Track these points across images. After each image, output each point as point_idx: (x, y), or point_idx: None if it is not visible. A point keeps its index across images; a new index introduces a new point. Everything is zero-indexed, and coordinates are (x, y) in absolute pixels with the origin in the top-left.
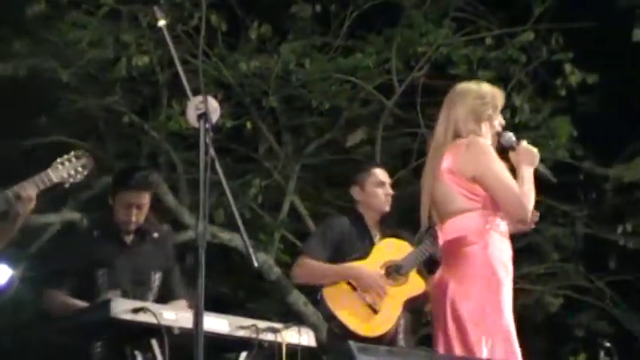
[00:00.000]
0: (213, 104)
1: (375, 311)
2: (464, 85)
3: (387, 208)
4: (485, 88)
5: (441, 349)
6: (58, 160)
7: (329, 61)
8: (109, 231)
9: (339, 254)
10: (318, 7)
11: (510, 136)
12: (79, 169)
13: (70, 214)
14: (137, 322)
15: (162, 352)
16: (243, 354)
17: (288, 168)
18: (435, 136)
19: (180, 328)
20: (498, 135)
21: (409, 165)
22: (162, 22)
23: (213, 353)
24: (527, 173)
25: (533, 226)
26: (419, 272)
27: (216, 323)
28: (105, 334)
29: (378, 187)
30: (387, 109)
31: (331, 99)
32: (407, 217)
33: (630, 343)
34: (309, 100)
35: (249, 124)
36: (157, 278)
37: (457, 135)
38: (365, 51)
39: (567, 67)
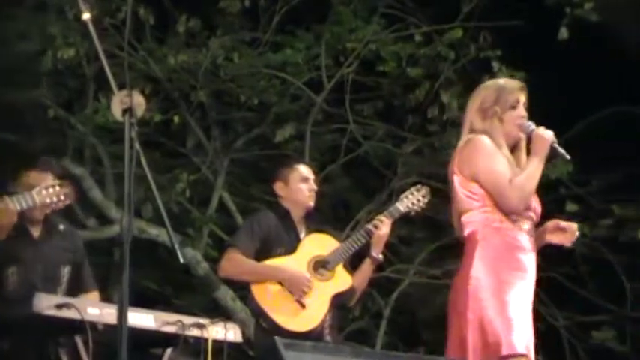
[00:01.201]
0: (139, 98)
1: (303, 306)
2: (483, 83)
3: (311, 204)
4: (496, 84)
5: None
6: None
7: (258, 57)
8: (16, 226)
9: (265, 249)
10: (247, 2)
11: (529, 125)
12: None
13: None
14: (61, 318)
15: (86, 349)
16: (169, 350)
17: (217, 163)
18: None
19: (105, 324)
20: (520, 127)
21: (338, 160)
22: (86, 15)
23: (138, 349)
24: (532, 163)
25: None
26: (345, 267)
27: (142, 318)
28: (27, 331)
29: (301, 183)
30: (316, 104)
31: (260, 94)
32: (335, 212)
33: (554, 337)
34: (237, 95)
35: (177, 119)
36: (66, 272)
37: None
38: (294, 47)
39: (495, 65)
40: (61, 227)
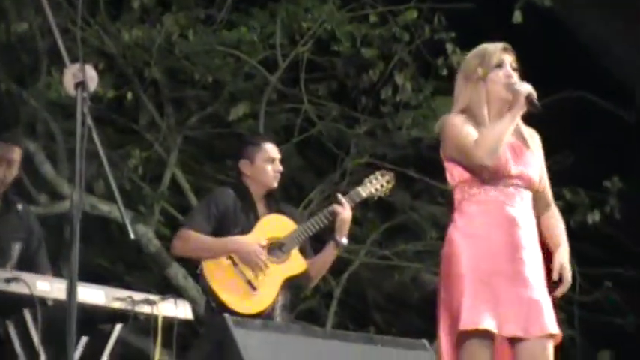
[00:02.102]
0: (91, 72)
1: (254, 288)
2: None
3: (275, 185)
4: (479, 48)
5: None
6: None
7: (212, 34)
8: None
9: (222, 227)
10: None
11: (513, 83)
12: None
13: None
14: (9, 293)
15: (35, 324)
16: (118, 326)
17: (170, 140)
18: None
19: (54, 299)
20: (506, 86)
21: (291, 140)
22: None
23: (88, 325)
24: (500, 122)
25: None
26: (301, 251)
27: (92, 294)
28: None
29: (267, 163)
30: (270, 84)
31: (214, 72)
32: (287, 191)
33: None
34: (191, 72)
35: (130, 95)
36: (17, 249)
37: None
38: (249, 25)
39: (449, 47)
40: (19, 207)
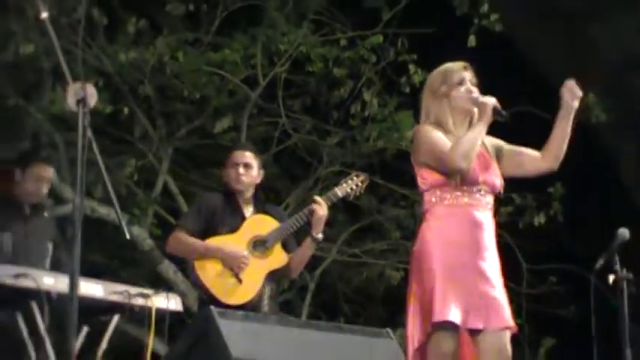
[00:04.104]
0: (91, 90)
1: (240, 281)
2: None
3: (239, 187)
4: (441, 68)
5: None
6: None
7: (200, 55)
8: (10, 202)
9: (211, 227)
10: (191, 7)
11: (476, 97)
12: None
13: None
14: (18, 287)
15: (41, 315)
16: (116, 317)
17: (161, 150)
18: None
19: (58, 293)
20: (469, 100)
21: (270, 150)
22: (44, 15)
23: (88, 316)
24: (472, 131)
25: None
26: (283, 246)
27: (92, 288)
28: None
29: (232, 168)
30: (251, 99)
31: (201, 89)
32: (266, 197)
33: None
34: (181, 89)
35: (126, 110)
36: (49, 248)
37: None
38: (232, 47)
39: (411, 68)
40: (45, 213)
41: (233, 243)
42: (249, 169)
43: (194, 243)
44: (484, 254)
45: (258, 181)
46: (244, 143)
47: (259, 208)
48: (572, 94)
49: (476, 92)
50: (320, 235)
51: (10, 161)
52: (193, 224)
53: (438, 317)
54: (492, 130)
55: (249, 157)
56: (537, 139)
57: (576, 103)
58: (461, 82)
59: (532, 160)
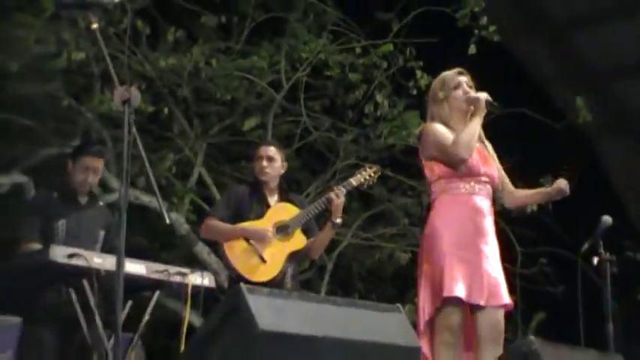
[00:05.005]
0: (135, 92)
1: (264, 261)
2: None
3: (264, 178)
4: (440, 76)
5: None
6: None
7: (231, 62)
8: (66, 192)
9: (238, 215)
10: (223, 19)
11: (471, 94)
12: None
13: (18, 177)
14: (71, 265)
15: (92, 290)
16: (157, 293)
17: (197, 146)
18: None
19: (106, 271)
20: (465, 100)
21: (292, 146)
22: (95, 25)
23: (133, 292)
24: (470, 124)
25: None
26: (306, 230)
27: (136, 267)
28: (44, 276)
29: (257, 161)
30: (276, 101)
31: (232, 92)
32: (289, 187)
33: None
34: (214, 92)
35: (165, 110)
36: (101, 234)
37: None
38: (259, 55)
39: (418, 73)
40: (100, 202)
41: (259, 226)
42: (272, 161)
43: (223, 226)
44: (486, 238)
45: (282, 172)
46: (269, 140)
47: (283, 197)
48: (560, 193)
49: (472, 93)
50: (339, 220)
51: (65, 155)
52: (222, 212)
53: (447, 293)
54: (491, 128)
55: (272, 151)
56: (528, 137)
57: (558, 197)
58: (457, 86)
59: (505, 193)
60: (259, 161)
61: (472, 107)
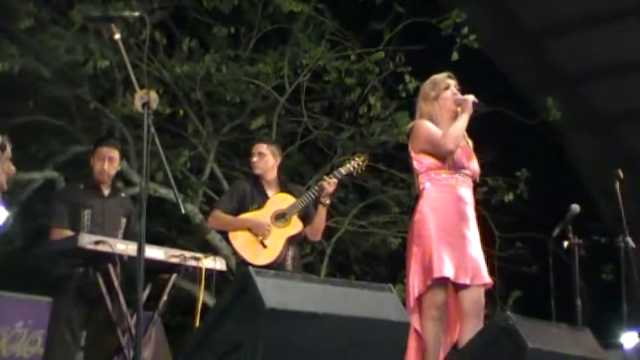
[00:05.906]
0: (153, 96)
1: (265, 246)
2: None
3: (256, 171)
4: (430, 79)
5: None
6: None
7: (239, 68)
8: (91, 185)
9: (242, 206)
10: (232, 29)
11: (459, 96)
12: None
13: (50, 173)
14: (97, 251)
15: (116, 273)
16: (174, 275)
17: (209, 143)
18: None
19: (129, 256)
20: (454, 101)
21: (295, 143)
22: (117, 36)
23: (152, 275)
24: (459, 121)
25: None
26: (300, 218)
27: (155, 252)
28: (73, 260)
29: (251, 157)
30: (280, 103)
31: (240, 95)
32: (292, 180)
33: None
34: (224, 95)
35: (181, 111)
36: (123, 222)
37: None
38: (265, 62)
39: (407, 77)
40: (123, 194)
41: (259, 216)
42: (262, 157)
43: (228, 218)
44: (469, 224)
45: (275, 165)
46: (261, 137)
47: (282, 188)
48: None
49: (459, 94)
50: (328, 201)
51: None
52: (227, 205)
53: (437, 274)
54: (471, 125)
55: (262, 147)
56: (505, 133)
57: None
58: (446, 88)
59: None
60: (252, 157)
61: (459, 108)
